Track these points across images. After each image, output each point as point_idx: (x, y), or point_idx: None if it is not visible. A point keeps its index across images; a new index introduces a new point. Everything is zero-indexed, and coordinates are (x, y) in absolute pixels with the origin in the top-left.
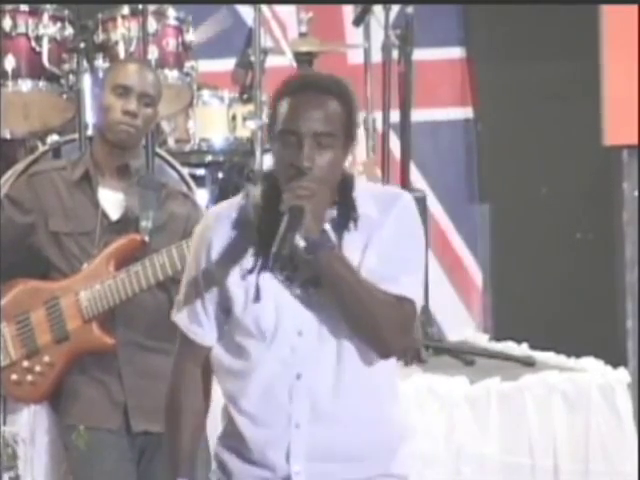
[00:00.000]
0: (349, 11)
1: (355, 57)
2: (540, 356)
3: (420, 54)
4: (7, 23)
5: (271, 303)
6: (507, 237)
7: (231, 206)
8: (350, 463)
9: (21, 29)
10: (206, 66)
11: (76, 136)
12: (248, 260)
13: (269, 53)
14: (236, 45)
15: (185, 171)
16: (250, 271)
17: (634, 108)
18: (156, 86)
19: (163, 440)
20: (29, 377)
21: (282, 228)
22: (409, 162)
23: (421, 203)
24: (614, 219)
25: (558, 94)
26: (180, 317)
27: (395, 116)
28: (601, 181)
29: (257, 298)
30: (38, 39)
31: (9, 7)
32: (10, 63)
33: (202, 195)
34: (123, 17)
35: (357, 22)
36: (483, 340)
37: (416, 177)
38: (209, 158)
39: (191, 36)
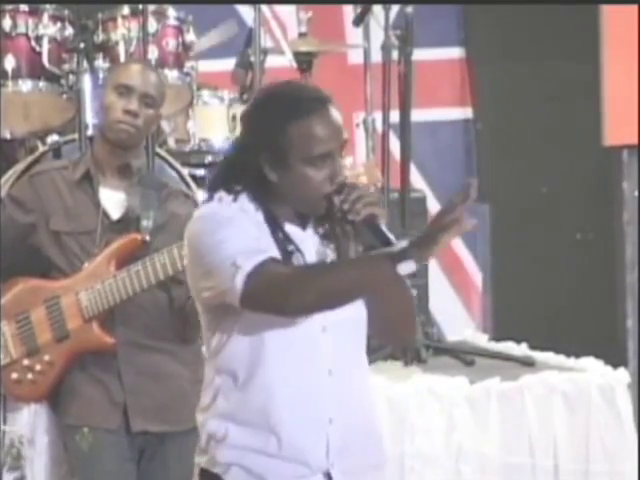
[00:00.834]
0: (349, 11)
1: (355, 57)
2: (540, 356)
3: (420, 54)
4: (7, 23)
5: None
6: (507, 237)
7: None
8: (369, 452)
9: (21, 29)
10: (206, 66)
11: (76, 136)
12: None
13: (269, 53)
14: (236, 45)
15: (185, 171)
16: None
17: (634, 108)
18: (159, 88)
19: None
20: (29, 376)
21: (371, 239)
22: (409, 162)
23: (421, 203)
24: (614, 219)
25: (558, 94)
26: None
27: (395, 116)
28: (601, 181)
29: None
30: (38, 39)
31: (9, 7)
32: (10, 63)
33: (202, 195)
34: (123, 17)
35: (357, 22)
36: (483, 340)
37: (416, 177)
38: (209, 158)
39: (191, 36)
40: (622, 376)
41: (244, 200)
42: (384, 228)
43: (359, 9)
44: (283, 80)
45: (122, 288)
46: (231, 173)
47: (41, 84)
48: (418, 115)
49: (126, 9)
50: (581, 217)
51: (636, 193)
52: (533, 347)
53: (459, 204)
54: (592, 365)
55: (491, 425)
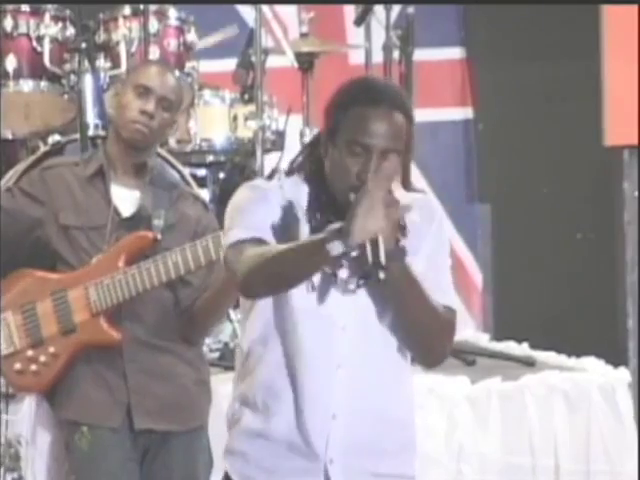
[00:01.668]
0: (350, 11)
1: (356, 57)
2: (541, 356)
3: (420, 54)
4: (8, 23)
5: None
6: (507, 237)
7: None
8: (382, 458)
9: (22, 29)
10: (207, 66)
11: (77, 136)
12: None
13: (270, 53)
14: (237, 45)
15: (186, 171)
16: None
17: (634, 108)
18: (177, 92)
19: None
20: (33, 367)
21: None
22: (410, 162)
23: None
24: (615, 219)
25: (558, 94)
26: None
27: None
28: (602, 181)
29: (321, 300)
30: (39, 39)
31: (10, 7)
32: (11, 63)
33: (203, 195)
34: (124, 17)
35: (358, 22)
36: (484, 340)
37: (416, 177)
38: (210, 158)
39: (192, 36)
40: (623, 376)
41: (296, 179)
42: (382, 248)
43: (360, 9)
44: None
45: (132, 284)
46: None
47: (42, 84)
48: (419, 115)
49: (127, 9)
50: (582, 217)
51: (637, 193)
52: (534, 347)
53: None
54: (593, 365)
55: (492, 425)
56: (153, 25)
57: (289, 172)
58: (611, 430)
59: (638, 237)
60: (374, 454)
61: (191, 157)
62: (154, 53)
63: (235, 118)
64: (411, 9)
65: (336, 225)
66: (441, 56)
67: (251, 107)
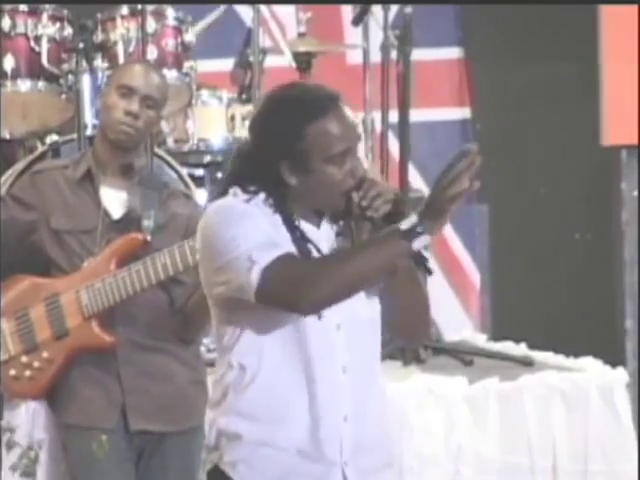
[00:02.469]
0: (348, 11)
1: (354, 57)
2: (539, 356)
3: (418, 54)
4: (6, 23)
5: None
6: (505, 237)
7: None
8: (384, 450)
9: (20, 29)
10: (205, 66)
11: (75, 136)
12: None
13: (268, 53)
14: (235, 45)
15: (184, 171)
16: None
17: (633, 108)
18: (161, 90)
19: None
20: (27, 372)
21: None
22: (407, 162)
23: (420, 203)
24: (613, 219)
25: (556, 94)
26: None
27: (394, 116)
28: (600, 181)
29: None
30: (37, 39)
31: (8, 7)
32: (9, 63)
33: (201, 195)
34: (122, 17)
35: (356, 22)
36: (481, 340)
37: (414, 177)
38: (208, 158)
39: (190, 36)
40: (621, 376)
41: (259, 201)
42: (403, 225)
43: (358, 9)
44: (286, 83)
45: (122, 287)
46: (245, 174)
47: (40, 84)
48: (417, 115)
49: (125, 9)
50: (580, 217)
51: (635, 193)
52: (532, 347)
53: (464, 171)
54: (591, 365)
55: (490, 425)
56: (151, 25)
57: (248, 199)
58: (609, 430)
59: (637, 237)
60: (378, 449)
61: (189, 157)
62: (152, 53)
63: (233, 118)
64: (409, 9)
65: (413, 219)
66: (439, 56)
67: (249, 107)
